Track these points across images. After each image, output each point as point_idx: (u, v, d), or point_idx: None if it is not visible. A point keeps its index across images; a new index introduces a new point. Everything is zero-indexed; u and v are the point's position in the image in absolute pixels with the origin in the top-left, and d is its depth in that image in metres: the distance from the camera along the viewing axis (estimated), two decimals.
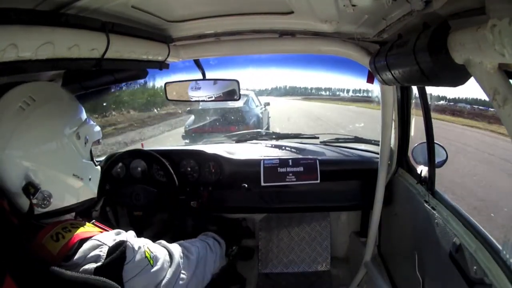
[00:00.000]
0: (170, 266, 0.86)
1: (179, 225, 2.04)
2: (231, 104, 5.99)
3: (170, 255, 0.89)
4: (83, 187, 0.83)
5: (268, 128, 6.83)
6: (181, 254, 0.94)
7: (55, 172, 0.76)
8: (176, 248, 0.94)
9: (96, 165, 0.91)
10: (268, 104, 7.61)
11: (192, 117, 6.44)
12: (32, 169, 0.72)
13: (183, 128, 6.49)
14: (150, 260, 0.78)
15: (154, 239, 1.58)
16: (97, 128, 0.92)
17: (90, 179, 0.86)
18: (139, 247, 0.77)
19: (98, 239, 0.73)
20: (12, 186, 0.72)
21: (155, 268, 0.79)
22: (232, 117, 6.13)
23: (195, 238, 1.59)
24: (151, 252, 0.80)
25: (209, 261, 1.10)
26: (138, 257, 0.76)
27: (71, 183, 0.80)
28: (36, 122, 0.73)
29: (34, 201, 0.73)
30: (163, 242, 0.94)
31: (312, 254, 2.14)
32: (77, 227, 0.75)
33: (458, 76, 0.70)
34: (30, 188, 0.71)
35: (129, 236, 0.78)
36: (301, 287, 2.06)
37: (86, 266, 0.68)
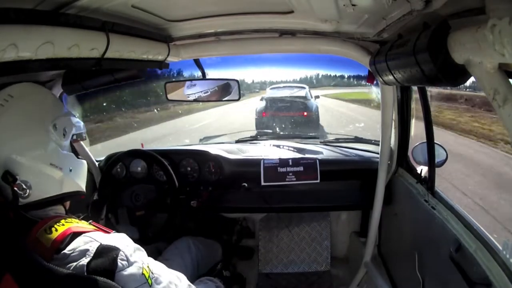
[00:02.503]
0: None
1: (179, 225, 2.05)
2: (297, 93, 7.30)
3: (181, 283, 0.85)
4: (63, 177, 0.84)
5: (318, 117, 7.48)
6: None
7: (33, 162, 0.78)
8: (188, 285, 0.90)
9: (79, 157, 0.92)
10: (318, 97, 8.43)
11: (263, 103, 7.35)
12: (11, 159, 0.74)
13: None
14: (149, 279, 0.73)
15: (154, 239, 1.60)
16: (78, 123, 0.94)
17: (71, 170, 0.86)
18: (136, 261, 0.73)
19: (90, 236, 0.72)
20: None
21: None
22: (297, 105, 7.06)
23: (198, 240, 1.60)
24: (152, 272, 0.76)
25: None
26: (132, 270, 0.71)
27: (50, 173, 0.81)
28: (13, 114, 0.76)
29: (15, 190, 0.74)
30: (180, 275, 0.90)
31: (312, 254, 2.14)
32: (71, 222, 0.76)
33: (458, 76, 0.70)
34: (8, 177, 0.73)
35: (127, 247, 0.74)
36: (301, 287, 2.06)
37: (76, 263, 0.67)
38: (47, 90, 0.92)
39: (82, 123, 0.96)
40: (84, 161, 0.94)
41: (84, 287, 0.65)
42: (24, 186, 0.75)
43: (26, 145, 0.77)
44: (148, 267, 0.75)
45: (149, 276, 0.74)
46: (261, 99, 7.71)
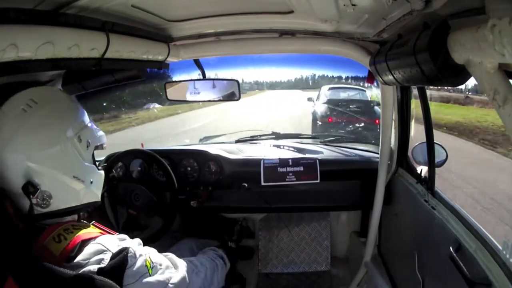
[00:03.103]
0: (172, 278, 0.85)
1: (180, 226, 2.05)
2: (356, 96, 6.50)
3: (175, 268, 0.89)
4: (84, 189, 0.83)
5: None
6: (189, 270, 0.94)
7: (56, 173, 0.77)
8: (183, 264, 0.94)
9: (99, 169, 0.91)
10: None
11: (324, 107, 6.54)
12: (33, 169, 0.73)
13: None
14: (149, 269, 0.78)
15: (151, 240, 1.60)
16: (100, 133, 0.91)
17: (91, 182, 0.86)
18: (141, 255, 0.78)
19: (102, 244, 0.74)
20: (14, 186, 0.73)
21: (153, 278, 0.79)
22: (367, 109, 6.18)
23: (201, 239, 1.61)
24: (152, 262, 0.80)
25: (214, 282, 1.12)
26: (138, 264, 0.76)
27: (72, 185, 0.80)
28: (37, 123, 0.74)
29: (34, 201, 0.74)
30: (171, 255, 0.94)
31: (312, 254, 2.14)
32: (79, 229, 0.76)
33: (458, 76, 0.70)
34: (30, 188, 0.72)
35: (133, 243, 0.79)
36: (301, 287, 2.06)
37: (89, 267, 0.69)
38: (71, 97, 0.90)
39: (103, 133, 0.93)
40: (102, 172, 0.93)
41: (85, 287, 0.66)
42: (45, 196, 0.75)
43: (49, 156, 0.76)
44: (149, 257, 0.80)
45: (150, 266, 0.79)
46: (324, 101, 6.71)
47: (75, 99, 0.91)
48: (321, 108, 6.64)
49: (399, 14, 0.80)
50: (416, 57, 0.74)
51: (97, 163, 0.91)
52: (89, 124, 0.87)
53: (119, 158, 1.77)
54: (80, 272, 0.68)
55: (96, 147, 0.90)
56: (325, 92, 7.37)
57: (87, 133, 0.85)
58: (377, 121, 5.53)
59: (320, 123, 6.32)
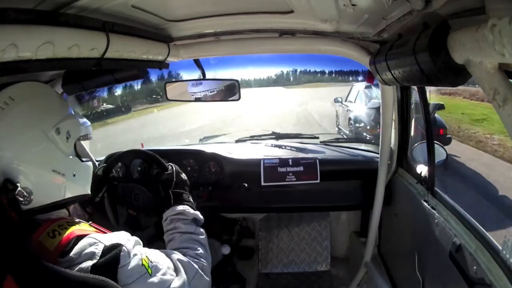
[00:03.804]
0: (173, 281, 0.82)
1: None
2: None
3: (176, 269, 0.86)
4: (66, 183, 0.82)
5: None
6: (191, 273, 0.90)
7: (34, 169, 0.76)
8: (187, 266, 0.90)
9: (83, 161, 0.89)
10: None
11: (370, 112, 5.27)
12: (11, 167, 0.73)
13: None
14: (148, 269, 0.76)
15: (151, 240, 1.59)
16: (84, 123, 0.90)
17: (74, 175, 0.84)
18: (135, 254, 0.76)
19: (94, 237, 0.73)
20: None
21: (154, 279, 0.77)
22: None
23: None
24: (151, 262, 0.78)
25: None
26: (133, 263, 0.74)
27: (52, 179, 0.79)
28: (13, 119, 0.74)
29: (17, 197, 0.73)
30: (174, 255, 0.90)
31: (312, 254, 2.14)
32: (73, 225, 0.76)
33: (458, 76, 0.70)
34: (9, 185, 0.72)
35: (128, 242, 0.77)
36: (301, 287, 2.06)
37: (82, 265, 0.68)
38: (51, 89, 0.90)
39: (88, 123, 0.92)
40: (89, 164, 0.91)
41: (85, 287, 0.66)
42: (25, 193, 0.74)
43: (26, 152, 0.75)
44: (147, 257, 0.78)
45: (148, 266, 0.77)
46: (369, 105, 5.32)
47: (57, 93, 0.90)
48: (366, 113, 5.30)
49: (399, 14, 0.80)
50: (416, 57, 0.74)
51: (87, 157, 0.90)
52: (70, 116, 0.85)
53: (119, 158, 1.77)
54: (75, 270, 0.67)
55: (80, 138, 0.89)
56: (365, 92, 6.00)
57: (67, 125, 0.83)
58: (441, 130, 4.50)
59: (368, 137, 4.95)
